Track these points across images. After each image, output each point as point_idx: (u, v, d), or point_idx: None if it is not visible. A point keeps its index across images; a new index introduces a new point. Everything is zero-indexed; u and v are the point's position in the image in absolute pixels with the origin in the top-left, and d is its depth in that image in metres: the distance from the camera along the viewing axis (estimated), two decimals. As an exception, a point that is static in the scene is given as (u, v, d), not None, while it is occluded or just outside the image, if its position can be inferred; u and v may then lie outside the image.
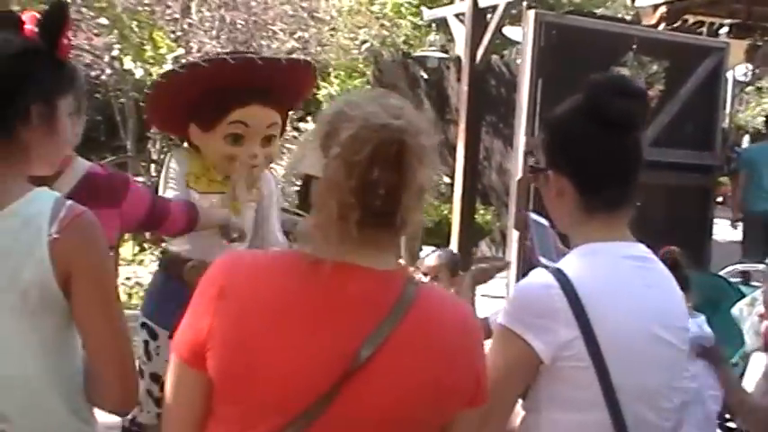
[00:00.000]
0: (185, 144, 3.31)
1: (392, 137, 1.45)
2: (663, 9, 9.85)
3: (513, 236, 9.59)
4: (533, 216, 2.39)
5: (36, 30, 1.79)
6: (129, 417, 3.18)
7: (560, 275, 1.76)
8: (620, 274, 1.81)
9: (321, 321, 1.48)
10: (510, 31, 10.95)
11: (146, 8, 11.31)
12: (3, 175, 1.72)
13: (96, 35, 10.34)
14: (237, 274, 1.54)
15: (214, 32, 12.20)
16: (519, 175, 8.99)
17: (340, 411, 1.46)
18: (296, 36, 13.45)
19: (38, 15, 1.81)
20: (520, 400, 1.84)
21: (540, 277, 1.79)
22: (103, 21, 9.96)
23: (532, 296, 1.77)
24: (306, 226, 1.53)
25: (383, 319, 1.48)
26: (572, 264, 1.81)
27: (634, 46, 8.29)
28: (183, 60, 8.65)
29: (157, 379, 3.10)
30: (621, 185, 1.86)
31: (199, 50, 11.78)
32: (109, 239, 1.98)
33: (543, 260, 2.29)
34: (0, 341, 1.72)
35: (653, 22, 9.87)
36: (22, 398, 1.73)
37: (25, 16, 1.81)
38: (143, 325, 3.25)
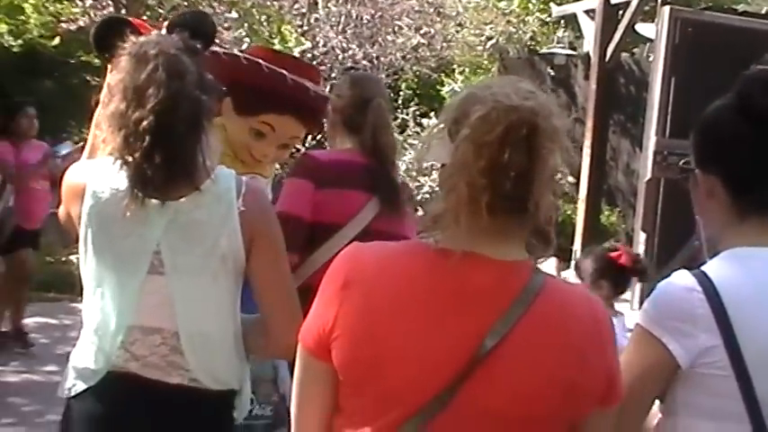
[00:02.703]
0: None
1: (523, 118, 1.43)
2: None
3: (640, 238, 9.38)
4: None
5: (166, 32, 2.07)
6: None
7: (704, 279, 1.67)
8: None
9: (446, 311, 1.47)
10: (642, 28, 10.67)
11: (274, 3, 11.54)
12: (201, 158, 2.00)
13: (226, 29, 10.59)
14: (362, 264, 1.54)
15: (340, 27, 12.35)
16: (648, 175, 8.75)
17: (464, 403, 1.44)
18: (421, 32, 13.48)
19: (146, 22, 2.15)
20: (657, 402, 1.76)
21: (682, 279, 1.69)
22: (233, 15, 10.21)
23: (673, 299, 1.69)
24: (434, 211, 1.50)
25: (507, 308, 1.46)
26: (718, 267, 1.71)
27: (777, 43, 7.95)
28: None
29: None
30: None
31: (325, 45, 11.97)
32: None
33: None
34: (201, 302, 1.98)
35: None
36: (208, 352, 1.99)
37: (134, 21, 2.16)
38: None
